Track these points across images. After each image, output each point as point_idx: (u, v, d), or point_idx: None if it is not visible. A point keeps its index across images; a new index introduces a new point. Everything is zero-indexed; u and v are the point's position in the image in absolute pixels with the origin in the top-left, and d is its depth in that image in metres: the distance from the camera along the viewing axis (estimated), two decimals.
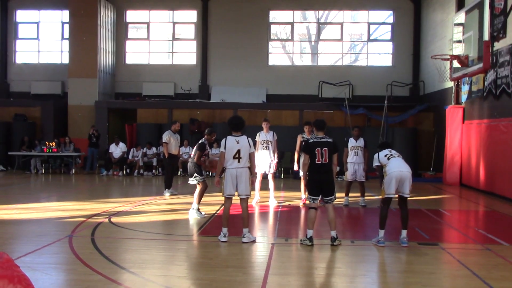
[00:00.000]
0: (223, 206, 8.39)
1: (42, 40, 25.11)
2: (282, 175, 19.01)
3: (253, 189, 8.60)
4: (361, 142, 12.18)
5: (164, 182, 14.06)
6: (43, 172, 19.81)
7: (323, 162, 7.96)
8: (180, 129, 14.67)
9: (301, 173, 10.74)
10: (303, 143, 8.76)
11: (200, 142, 10.57)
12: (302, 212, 11.23)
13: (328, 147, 8.00)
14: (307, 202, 8.56)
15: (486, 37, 12.62)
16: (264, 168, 12.19)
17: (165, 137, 13.67)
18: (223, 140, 8.18)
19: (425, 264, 7.00)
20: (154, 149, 19.83)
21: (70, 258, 7.03)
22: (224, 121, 21.12)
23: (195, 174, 10.37)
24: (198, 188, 10.38)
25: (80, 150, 20.44)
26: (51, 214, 10.54)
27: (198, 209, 10.28)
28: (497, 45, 13.49)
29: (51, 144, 19.62)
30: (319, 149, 7.97)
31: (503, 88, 13.82)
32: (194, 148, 10.68)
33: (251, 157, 8.23)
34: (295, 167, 12.14)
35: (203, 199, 10.61)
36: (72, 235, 8.39)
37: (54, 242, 7.89)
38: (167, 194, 13.51)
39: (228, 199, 8.24)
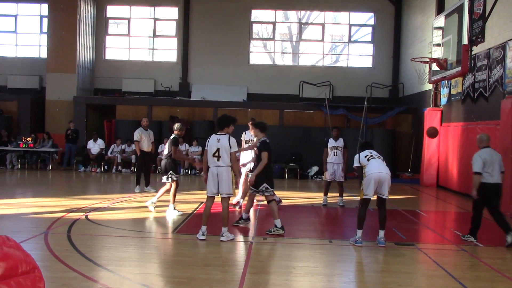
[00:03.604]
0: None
1: (20, 34, 24.66)
2: None
3: (237, 187, 8.58)
4: (340, 142, 12.23)
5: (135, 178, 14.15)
6: (19, 167, 19.49)
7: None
8: (157, 126, 14.60)
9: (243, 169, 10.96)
10: (263, 142, 8.80)
11: (172, 137, 10.54)
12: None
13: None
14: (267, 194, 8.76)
15: (465, 41, 12.75)
16: (249, 166, 12.15)
17: (136, 135, 13.68)
18: (208, 139, 8.21)
19: (402, 264, 7.08)
20: (133, 146, 19.67)
21: (46, 255, 6.92)
22: (204, 119, 21.10)
23: (171, 172, 10.32)
24: (173, 186, 10.33)
25: (57, 146, 20.18)
26: (27, 210, 10.37)
27: (175, 208, 10.25)
28: (476, 49, 13.66)
29: (27, 139, 19.32)
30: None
31: (480, 92, 14.04)
32: (167, 145, 10.64)
33: (232, 156, 8.18)
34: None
35: (183, 197, 10.54)
36: (48, 232, 8.27)
37: (29, 239, 7.77)
38: (137, 190, 13.60)
39: (210, 198, 8.22)
